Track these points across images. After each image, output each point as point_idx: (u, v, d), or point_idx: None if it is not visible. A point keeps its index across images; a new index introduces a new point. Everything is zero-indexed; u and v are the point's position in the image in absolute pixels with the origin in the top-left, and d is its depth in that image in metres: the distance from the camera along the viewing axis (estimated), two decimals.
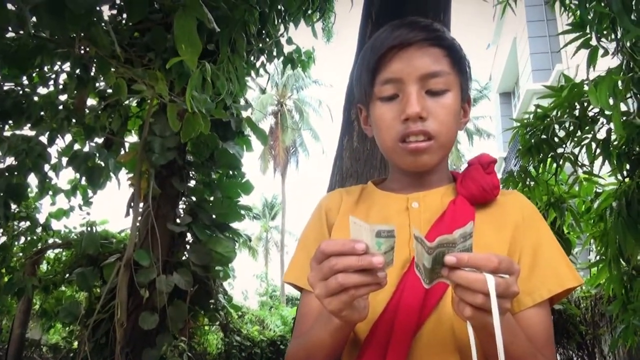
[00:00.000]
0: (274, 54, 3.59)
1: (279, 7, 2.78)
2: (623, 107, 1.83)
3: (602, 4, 1.54)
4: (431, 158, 0.82)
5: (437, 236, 0.56)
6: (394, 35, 0.81)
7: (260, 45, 3.24)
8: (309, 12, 3.46)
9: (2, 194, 2.87)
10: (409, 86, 0.80)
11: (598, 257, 2.32)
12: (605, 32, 1.67)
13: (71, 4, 1.12)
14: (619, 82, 1.51)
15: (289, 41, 3.91)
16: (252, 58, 3.50)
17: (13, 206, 4.11)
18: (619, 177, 2.10)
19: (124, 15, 3.03)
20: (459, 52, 0.84)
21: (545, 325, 0.77)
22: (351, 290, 0.60)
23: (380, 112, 0.83)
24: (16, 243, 5.12)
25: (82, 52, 2.36)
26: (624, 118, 1.82)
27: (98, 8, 2.08)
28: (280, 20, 3.35)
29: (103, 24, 1.98)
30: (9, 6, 2.03)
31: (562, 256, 0.80)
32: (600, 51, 1.73)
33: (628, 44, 1.48)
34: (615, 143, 2.00)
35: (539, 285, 0.77)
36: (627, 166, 2.03)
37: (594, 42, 1.89)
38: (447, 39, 0.83)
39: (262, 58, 3.67)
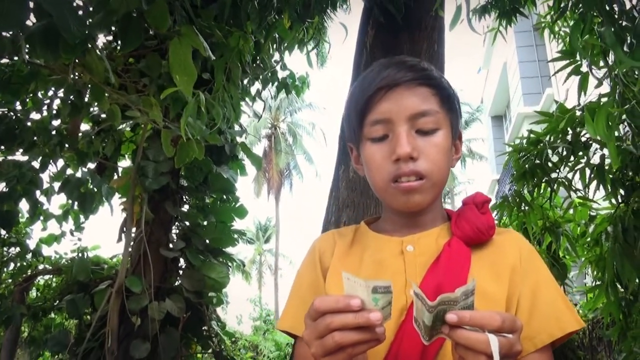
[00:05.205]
0: (270, 81, 3.62)
1: (275, 35, 2.81)
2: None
3: (594, 36, 1.56)
4: (424, 198, 0.81)
5: (433, 281, 0.55)
6: (382, 76, 0.81)
7: (258, 74, 3.26)
8: (304, 40, 3.51)
9: None
10: (399, 126, 0.79)
11: (594, 282, 2.30)
12: (596, 60, 1.69)
13: (66, 34, 1.12)
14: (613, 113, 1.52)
15: (283, 67, 3.94)
16: (245, 82, 3.52)
17: (2, 232, 4.05)
18: (614, 201, 2.11)
19: (119, 42, 3.04)
20: (447, 90, 0.84)
21: None
22: (349, 349, 0.58)
23: (370, 152, 0.83)
24: (5, 269, 5.02)
25: (77, 78, 2.36)
26: (617, 144, 1.84)
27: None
28: (275, 48, 3.38)
29: (97, 51, 1.98)
30: (4, 33, 2.04)
31: (562, 298, 0.79)
32: (593, 81, 1.75)
33: (621, 74, 1.50)
34: (608, 168, 2.01)
35: (540, 329, 0.75)
36: (622, 192, 2.04)
37: (584, 68, 1.92)
38: (435, 78, 0.83)
39: (258, 86, 3.69)
